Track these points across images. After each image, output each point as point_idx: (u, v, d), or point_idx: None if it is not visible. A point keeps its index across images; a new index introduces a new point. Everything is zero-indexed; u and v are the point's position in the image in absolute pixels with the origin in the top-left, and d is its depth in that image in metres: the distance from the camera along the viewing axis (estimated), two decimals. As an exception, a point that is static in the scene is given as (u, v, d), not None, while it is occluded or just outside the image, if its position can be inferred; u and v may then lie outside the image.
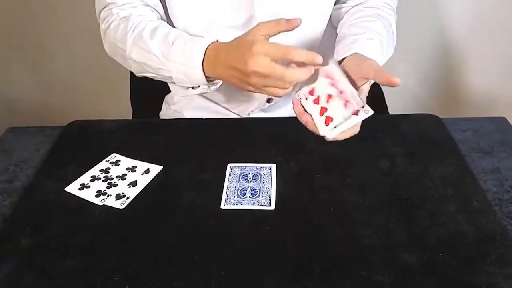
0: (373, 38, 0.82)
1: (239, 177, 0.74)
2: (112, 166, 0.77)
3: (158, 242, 0.64)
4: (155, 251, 0.63)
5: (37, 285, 0.59)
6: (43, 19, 1.56)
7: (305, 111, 0.72)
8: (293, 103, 0.74)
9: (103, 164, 0.77)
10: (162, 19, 0.92)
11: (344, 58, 0.79)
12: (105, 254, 0.63)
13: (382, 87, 1.12)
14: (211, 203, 0.70)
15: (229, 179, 0.74)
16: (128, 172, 0.76)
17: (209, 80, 0.79)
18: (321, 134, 0.70)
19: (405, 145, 0.81)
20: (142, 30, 0.83)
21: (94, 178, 0.74)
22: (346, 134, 0.71)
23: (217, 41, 0.78)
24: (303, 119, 0.72)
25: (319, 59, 0.69)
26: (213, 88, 0.81)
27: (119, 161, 0.78)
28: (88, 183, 0.73)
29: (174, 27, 0.98)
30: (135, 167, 0.77)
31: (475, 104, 1.66)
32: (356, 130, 0.71)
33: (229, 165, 0.76)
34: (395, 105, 1.15)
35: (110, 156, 0.79)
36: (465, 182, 0.73)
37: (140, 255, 0.62)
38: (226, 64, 0.74)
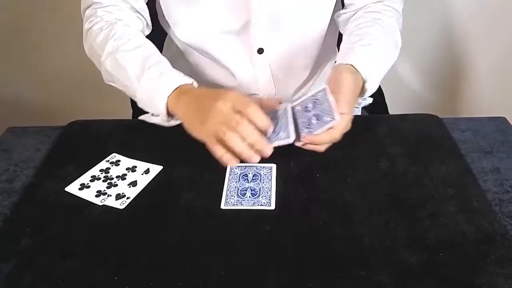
0: (369, 43, 0.82)
1: (239, 177, 0.74)
2: (112, 166, 0.77)
3: (158, 242, 0.64)
4: (155, 251, 0.63)
5: (37, 285, 0.59)
6: (43, 19, 1.56)
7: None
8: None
9: (103, 164, 0.77)
10: (147, 26, 0.91)
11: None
12: (105, 254, 0.63)
13: (382, 87, 1.13)
14: (211, 203, 0.70)
15: (229, 179, 0.74)
16: (128, 172, 0.76)
17: (170, 115, 0.78)
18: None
19: (405, 145, 0.81)
20: (123, 44, 0.81)
21: (94, 178, 0.74)
22: (323, 138, 0.71)
23: (192, 83, 0.77)
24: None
25: (268, 150, 0.69)
26: (171, 123, 0.80)
27: (119, 161, 0.78)
28: (88, 183, 0.73)
29: (167, 32, 0.98)
30: (135, 167, 0.77)
31: (475, 104, 1.66)
32: (333, 137, 0.72)
33: (229, 166, 0.76)
34: (395, 105, 1.15)
35: (110, 156, 0.79)
36: (465, 182, 0.73)
37: (140, 255, 0.62)
38: (193, 104, 0.73)
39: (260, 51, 0.91)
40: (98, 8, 0.86)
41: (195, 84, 0.77)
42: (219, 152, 0.69)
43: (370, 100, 0.84)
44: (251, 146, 0.68)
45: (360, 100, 0.82)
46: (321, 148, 0.74)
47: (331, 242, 0.63)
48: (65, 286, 0.59)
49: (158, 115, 0.78)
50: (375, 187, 0.72)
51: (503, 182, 0.74)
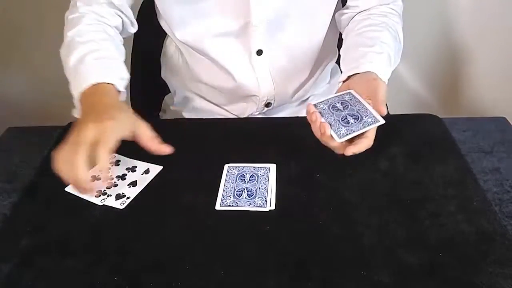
0: (382, 52, 0.82)
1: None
2: (112, 166, 0.77)
3: (158, 242, 0.64)
4: (155, 251, 0.63)
5: (37, 285, 0.59)
6: (43, 19, 1.56)
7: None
8: (307, 110, 0.74)
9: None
10: (131, 23, 0.90)
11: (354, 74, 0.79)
12: (105, 254, 0.63)
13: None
14: (211, 203, 0.69)
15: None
16: (128, 172, 0.76)
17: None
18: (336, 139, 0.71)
19: (405, 145, 0.81)
20: (79, 36, 0.81)
21: (94, 178, 0.74)
22: (361, 146, 0.71)
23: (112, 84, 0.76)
24: (318, 126, 0.72)
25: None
26: (76, 115, 0.79)
27: (119, 161, 0.78)
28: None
29: (167, 32, 0.98)
30: (135, 167, 0.77)
31: (475, 104, 1.66)
32: (369, 143, 0.71)
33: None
34: (395, 105, 1.15)
35: (110, 156, 0.78)
36: (465, 182, 0.73)
37: (140, 255, 0.62)
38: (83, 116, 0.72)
39: (259, 52, 0.91)
40: (77, 0, 0.86)
41: (118, 86, 0.76)
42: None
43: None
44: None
45: None
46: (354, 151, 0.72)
47: (331, 242, 0.63)
48: (65, 286, 0.59)
49: None
50: (375, 187, 0.72)
51: (503, 182, 0.74)
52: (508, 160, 0.78)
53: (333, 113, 0.73)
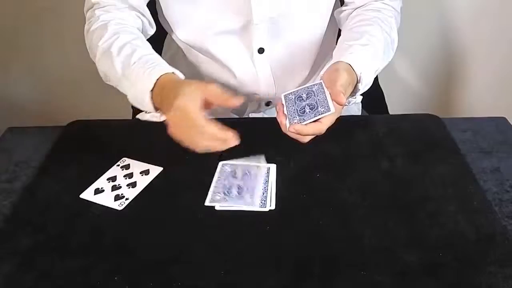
0: (367, 44, 0.82)
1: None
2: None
3: (158, 242, 0.64)
4: (155, 251, 0.63)
5: (37, 285, 0.59)
6: (43, 19, 1.56)
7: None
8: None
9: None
10: (149, 24, 0.91)
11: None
12: (105, 254, 0.63)
13: (382, 87, 1.13)
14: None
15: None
16: (129, 173, 0.76)
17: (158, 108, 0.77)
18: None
19: (405, 145, 0.81)
20: (112, 43, 0.81)
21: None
22: (309, 129, 0.72)
23: (173, 73, 0.76)
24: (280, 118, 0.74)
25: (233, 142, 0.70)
26: (163, 118, 0.78)
27: (129, 165, 0.78)
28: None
29: (167, 31, 0.98)
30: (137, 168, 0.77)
31: (475, 104, 1.66)
32: (320, 128, 0.72)
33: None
34: (395, 105, 1.15)
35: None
36: (465, 182, 0.73)
37: (140, 255, 0.62)
38: (166, 100, 0.73)
39: (261, 50, 0.91)
40: (97, 8, 0.86)
41: (179, 74, 0.77)
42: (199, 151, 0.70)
43: (360, 98, 0.84)
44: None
45: (350, 98, 0.82)
46: (305, 140, 0.74)
47: (331, 242, 0.63)
48: (65, 286, 0.59)
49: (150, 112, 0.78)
50: (375, 187, 0.72)
51: (503, 182, 0.74)
52: (508, 160, 0.78)
53: (295, 104, 0.74)
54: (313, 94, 0.75)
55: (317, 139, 0.74)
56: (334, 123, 0.73)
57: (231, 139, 0.69)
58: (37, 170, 0.79)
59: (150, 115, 0.79)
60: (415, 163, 0.77)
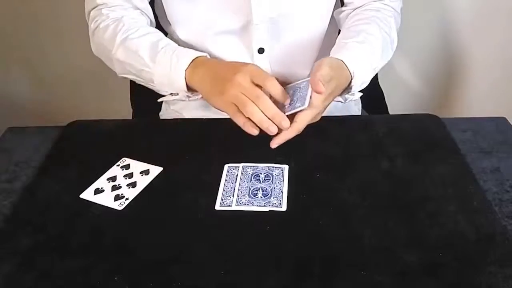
0: (363, 41, 0.82)
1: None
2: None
3: (158, 242, 0.64)
4: (155, 251, 0.63)
5: (37, 285, 0.59)
6: (43, 19, 1.56)
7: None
8: None
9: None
10: (151, 23, 0.93)
11: None
12: (105, 254, 0.63)
13: (382, 87, 1.13)
14: (211, 203, 0.69)
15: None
16: (129, 173, 0.76)
17: (190, 89, 0.79)
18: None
19: (405, 145, 0.81)
20: (133, 33, 0.83)
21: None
22: (285, 135, 0.72)
23: (206, 56, 0.79)
24: None
25: (286, 123, 0.70)
26: (192, 98, 0.81)
27: (129, 165, 0.77)
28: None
29: (167, 31, 0.99)
30: (137, 168, 0.77)
31: (475, 104, 1.66)
32: (297, 127, 0.72)
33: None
34: (395, 105, 1.15)
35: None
36: (465, 182, 0.73)
37: (140, 255, 0.62)
38: (210, 73, 0.75)
39: (261, 51, 0.91)
40: (103, 8, 0.87)
41: (209, 57, 0.79)
42: (241, 120, 0.72)
43: (359, 95, 0.84)
44: (270, 119, 0.70)
45: (346, 95, 0.82)
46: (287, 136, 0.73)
47: (331, 242, 0.63)
48: (65, 286, 0.59)
49: (177, 94, 0.80)
50: (375, 187, 0.72)
51: (503, 182, 0.74)
52: (508, 160, 0.78)
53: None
54: (298, 90, 0.75)
55: (318, 139, 0.74)
56: (319, 120, 0.73)
57: (283, 121, 0.69)
58: (37, 170, 0.79)
59: (178, 96, 0.81)
60: (415, 163, 0.77)
